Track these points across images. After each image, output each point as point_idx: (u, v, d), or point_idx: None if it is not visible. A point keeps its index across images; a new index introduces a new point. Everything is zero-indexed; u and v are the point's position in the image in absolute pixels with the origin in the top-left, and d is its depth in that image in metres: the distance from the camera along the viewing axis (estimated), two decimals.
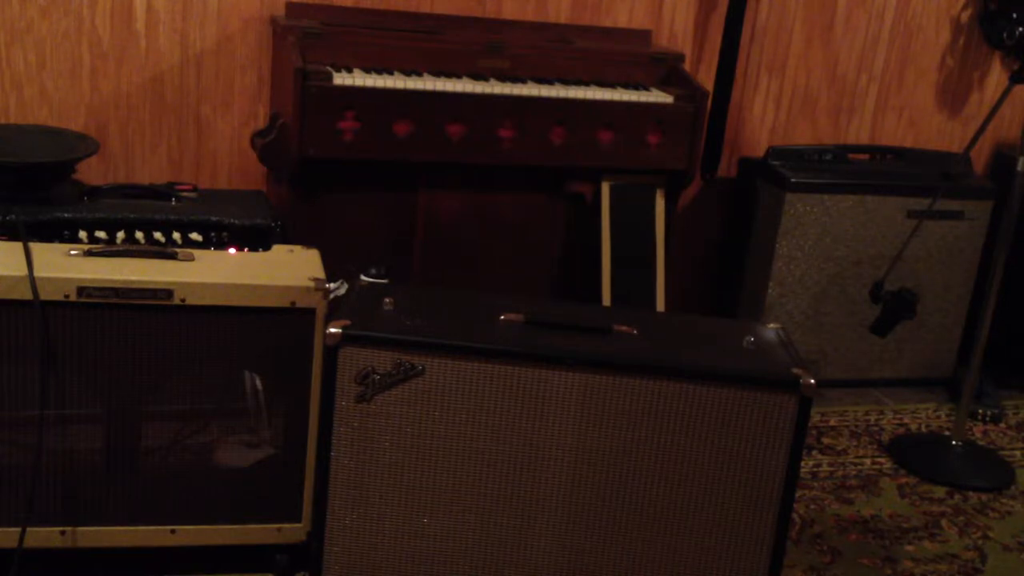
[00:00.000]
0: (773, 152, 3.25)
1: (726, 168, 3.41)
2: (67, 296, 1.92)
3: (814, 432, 3.07)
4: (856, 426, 3.15)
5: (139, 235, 2.28)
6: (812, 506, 2.68)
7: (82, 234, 2.25)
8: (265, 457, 2.14)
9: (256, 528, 2.13)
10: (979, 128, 2.83)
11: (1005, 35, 3.38)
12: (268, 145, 2.73)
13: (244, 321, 2.02)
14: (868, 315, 3.00)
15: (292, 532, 2.14)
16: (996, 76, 3.62)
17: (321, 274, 2.08)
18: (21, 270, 1.91)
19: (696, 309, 3.51)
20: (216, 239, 2.32)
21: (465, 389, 1.87)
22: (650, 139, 2.88)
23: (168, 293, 1.96)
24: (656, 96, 2.88)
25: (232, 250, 2.24)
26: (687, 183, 3.02)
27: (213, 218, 2.34)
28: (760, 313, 3.23)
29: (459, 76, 2.78)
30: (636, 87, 2.91)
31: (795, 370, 1.88)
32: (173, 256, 2.06)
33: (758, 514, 1.91)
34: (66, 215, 2.25)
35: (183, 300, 1.97)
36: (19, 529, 1.97)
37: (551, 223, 2.98)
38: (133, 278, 1.95)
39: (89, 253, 2.02)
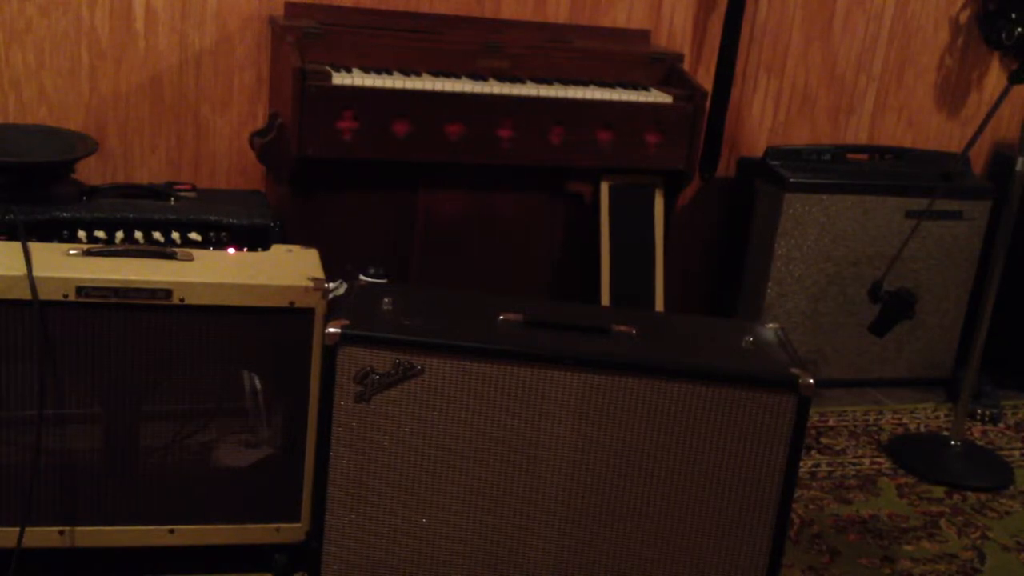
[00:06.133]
0: (772, 152, 3.25)
1: (725, 168, 3.41)
2: (66, 296, 1.92)
3: (813, 432, 3.07)
4: (855, 426, 3.15)
5: (138, 235, 2.28)
6: (811, 506, 2.68)
7: (81, 234, 2.25)
8: (264, 457, 2.14)
9: (255, 528, 2.12)
10: (978, 128, 2.83)
11: (1004, 35, 3.38)
12: (267, 145, 2.73)
13: (243, 321, 2.02)
14: (867, 315, 3.00)
15: (291, 532, 2.14)
16: (995, 76, 3.62)
17: (320, 274, 2.08)
18: (20, 270, 1.91)
19: (695, 309, 3.51)
20: (215, 239, 2.33)
21: (464, 389, 1.87)
22: (649, 139, 2.87)
23: (167, 293, 1.96)
24: (655, 96, 2.88)
25: (231, 250, 2.24)
26: (686, 183, 3.01)
27: (212, 218, 2.34)
28: (759, 313, 3.23)
29: (458, 76, 2.78)
30: (635, 87, 2.91)
31: (794, 370, 1.88)
32: (172, 256, 2.06)
33: (757, 514, 1.91)
34: (65, 215, 2.25)
35: (182, 300, 1.97)
36: (17, 529, 1.97)
37: (550, 223, 2.98)
38: (132, 278, 1.95)
39: (88, 253, 2.02)
